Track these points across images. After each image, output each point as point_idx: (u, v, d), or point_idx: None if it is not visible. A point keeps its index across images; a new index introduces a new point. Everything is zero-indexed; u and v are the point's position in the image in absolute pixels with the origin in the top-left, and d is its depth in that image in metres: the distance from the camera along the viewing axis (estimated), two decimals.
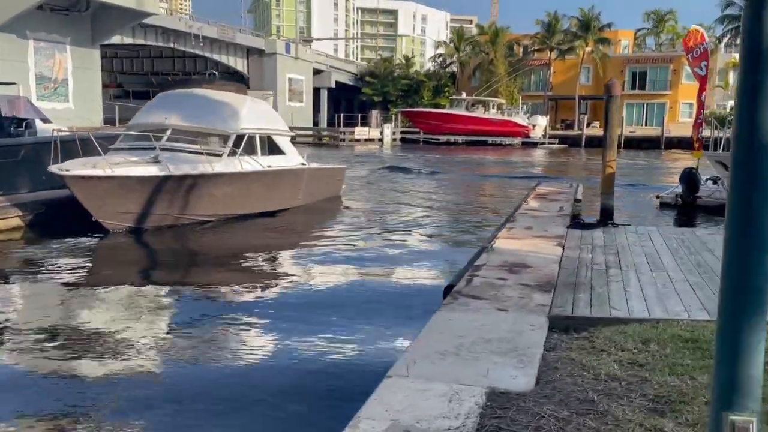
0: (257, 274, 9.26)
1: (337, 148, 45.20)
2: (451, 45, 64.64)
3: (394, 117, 56.90)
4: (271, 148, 13.70)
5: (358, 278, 8.91)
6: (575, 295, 5.68)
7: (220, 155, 12.13)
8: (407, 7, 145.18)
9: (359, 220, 14.24)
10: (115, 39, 36.21)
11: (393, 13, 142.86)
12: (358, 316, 7.07)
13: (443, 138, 51.65)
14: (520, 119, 52.99)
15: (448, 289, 6.14)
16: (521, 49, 62.69)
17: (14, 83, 18.51)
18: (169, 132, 12.21)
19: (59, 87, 30.54)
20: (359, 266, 9.50)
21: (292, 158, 14.36)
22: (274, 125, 14.01)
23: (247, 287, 8.33)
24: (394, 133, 51.84)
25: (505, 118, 53.26)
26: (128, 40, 38.42)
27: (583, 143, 50.07)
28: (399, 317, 7.02)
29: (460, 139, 51.82)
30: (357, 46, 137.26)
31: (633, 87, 59.47)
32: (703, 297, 5.46)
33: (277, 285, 8.67)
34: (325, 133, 50.66)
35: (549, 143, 50.66)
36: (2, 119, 14.85)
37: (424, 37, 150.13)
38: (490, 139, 51.53)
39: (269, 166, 13.20)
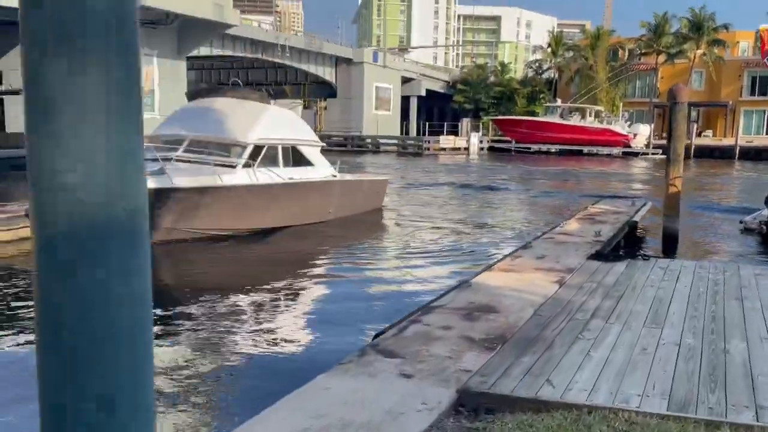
0: (230, 293, 8.51)
1: (420, 157, 44.29)
2: (548, 50, 61.83)
3: (483, 125, 55.18)
4: (297, 159, 13.04)
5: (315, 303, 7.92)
6: (518, 359, 4.41)
7: (234, 166, 11.61)
8: (511, 13, 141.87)
9: (384, 237, 13.25)
10: (205, 51, 37.48)
11: (496, 19, 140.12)
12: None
13: (535, 147, 49.31)
14: (620, 128, 49.52)
15: (375, 338, 5.08)
16: (625, 54, 58.78)
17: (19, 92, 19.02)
18: (186, 143, 11.87)
19: (146, 98, 31.90)
20: (329, 288, 8.53)
21: (320, 170, 13.62)
22: (300, 135, 13.34)
23: (224, 309, 7.60)
24: (482, 142, 50.14)
25: (604, 126, 49.98)
26: (217, 52, 39.69)
27: (692, 154, 45.86)
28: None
29: (553, 148, 49.24)
30: (457, 54, 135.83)
31: (752, 93, 54.01)
32: (680, 374, 4.02)
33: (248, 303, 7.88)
34: (409, 141, 49.89)
35: (652, 153, 46.89)
36: None
37: (528, 43, 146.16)
38: (585, 149, 48.55)
39: (291, 178, 12.54)
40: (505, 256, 8.17)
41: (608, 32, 59.50)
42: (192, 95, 13.77)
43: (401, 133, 56.67)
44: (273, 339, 6.82)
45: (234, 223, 11.72)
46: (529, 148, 49.43)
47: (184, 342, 6.52)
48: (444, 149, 47.39)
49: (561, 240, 9.16)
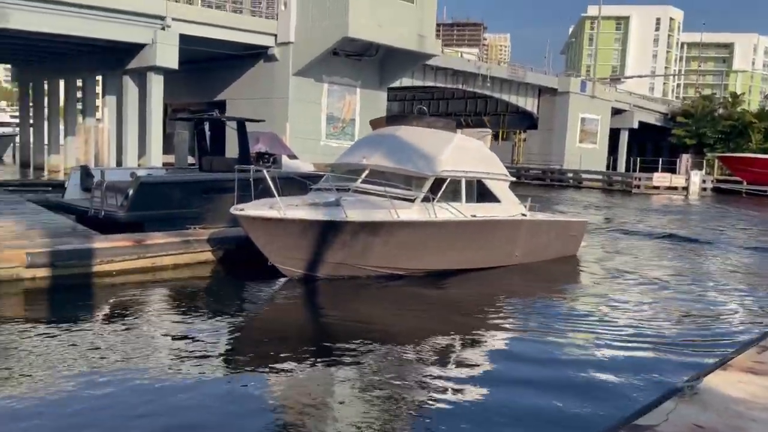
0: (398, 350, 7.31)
1: (629, 196, 40.17)
2: None
3: (708, 163, 48.72)
4: (482, 194, 11.66)
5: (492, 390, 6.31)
6: None
7: (412, 200, 10.60)
8: (746, 39, 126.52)
9: (576, 294, 11.10)
10: (406, 81, 37.98)
11: (728, 46, 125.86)
12: None
13: None
14: None
15: None
16: None
17: (263, 120, 19.75)
18: (365, 173, 11.16)
19: (346, 127, 32.94)
20: (509, 368, 6.86)
21: (507, 207, 12.07)
22: (487, 168, 11.92)
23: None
24: (704, 182, 44.12)
25: None
26: (418, 82, 40.02)
27: None
28: None
29: None
30: (678, 85, 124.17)
31: None
32: None
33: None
34: (616, 178, 45.66)
35: None
36: (258, 155, 15.70)
37: (766, 72, 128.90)
38: None
39: (474, 216, 11.20)
40: (747, 346, 5.92)
41: None
42: (375, 123, 13.15)
43: (607, 168, 52.37)
44: (440, 389, 6.11)
45: (408, 262, 10.65)
46: (764, 191, 42.36)
47: (349, 382, 6.29)
48: (657, 188, 42.49)
49: None
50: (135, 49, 26.96)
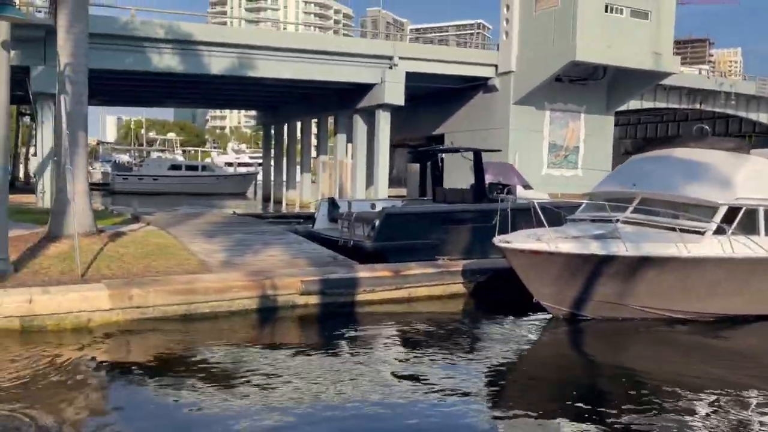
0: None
1: None
2: None
3: None
4: None
5: None
6: None
7: (702, 233, 9.12)
8: None
9: None
10: (634, 104, 35.21)
11: None
12: None
13: None
14: None
15: None
16: None
17: (500, 150, 19.08)
18: (636, 201, 9.92)
19: (569, 155, 31.24)
20: None
21: None
22: None
23: None
24: None
25: None
26: (648, 104, 36.87)
27: None
28: None
29: None
30: None
31: None
32: None
33: None
34: None
35: None
36: (490, 185, 15.31)
37: None
38: None
39: None
40: None
41: None
42: (637, 148, 11.81)
43: None
44: None
45: (697, 305, 9.15)
46: None
47: None
48: None
49: None
50: (365, 89, 28.46)
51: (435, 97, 33.39)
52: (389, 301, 10.03)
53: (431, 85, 30.61)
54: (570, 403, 6.25)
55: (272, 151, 42.01)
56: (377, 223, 12.70)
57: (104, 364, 6.86)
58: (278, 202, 38.92)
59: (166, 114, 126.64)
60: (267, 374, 6.65)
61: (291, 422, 5.44)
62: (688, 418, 5.91)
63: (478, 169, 14.68)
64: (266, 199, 40.74)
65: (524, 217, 10.55)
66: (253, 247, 11.88)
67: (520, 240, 9.06)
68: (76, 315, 7.98)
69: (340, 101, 31.39)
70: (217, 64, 25.23)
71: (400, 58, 28.03)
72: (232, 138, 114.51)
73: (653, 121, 46.82)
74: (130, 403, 5.87)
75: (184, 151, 67.26)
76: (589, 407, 6.06)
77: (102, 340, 7.65)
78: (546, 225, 9.13)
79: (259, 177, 46.62)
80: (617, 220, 9.35)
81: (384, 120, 28.38)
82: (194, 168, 47.90)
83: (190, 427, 5.40)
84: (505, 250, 8.98)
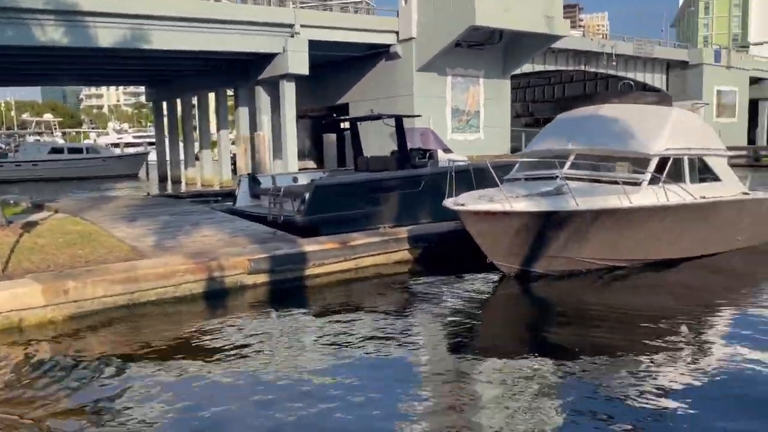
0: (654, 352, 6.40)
1: None
2: None
3: None
4: (702, 173, 10.47)
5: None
6: None
7: (638, 184, 9.58)
8: None
9: None
10: (526, 67, 36.47)
11: None
12: None
13: None
14: None
15: None
16: None
17: (419, 116, 19.09)
18: (572, 158, 10.27)
19: (471, 119, 31.97)
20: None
21: (729, 186, 10.77)
22: (707, 144, 10.69)
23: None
24: None
25: None
26: (539, 68, 38.34)
27: None
28: None
29: None
30: None
31: None
32: None
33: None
34: (764, 152, 41.80)
35: None
36: (411, 151, 15.27)
37: None
38: None
39: (702, 197, 10.02)
40: None
41: None
42: (563, 106, 12.19)
43: (748, 143, 48.12)
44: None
45: (632, 252, 9.65)
46: None
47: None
48: None
49: None
50: (267, 59, 27.41)
51: (337, 66, 32.79)
52: (338, 273, 9.80)
53: (334, 54, 30.00)
54: (530, 350, 6.65)
55: (166, 128, 39.66)
56: (307, 196, 12.31)
57: (54, 366, 6.16)
58: (176, 182, 36.91)
59: (33, 94, 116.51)
60: (229, 357, 6.39)
61: (250, 409, 5.24)
62: (646, 342, 6.56)
63: (401, 135, 14.57)
64: (162, 180, 38.42)
65: (460, 179, 10.62)
66: (183, 228, 11.15)
67: (473, 201, 9.09)
68: (5, 315, 7.11)
69: (241, 73, 30.06)
70: (106, 36, 23.24)
71: (302, 26, 27.18)
72: (112, 117, 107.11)
73: (541, 84, 48.88)
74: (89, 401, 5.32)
75: (63, 134, 62.10)
76: (550, 353, 6.48)
77: (40, 341, 6.87)
78: (500, 185, 9.21)
79: (151, 157, 43.91)
80: (561, 177, 9.59)
81: (289, 90, 27.52)
82: (78, 150, 44.26)
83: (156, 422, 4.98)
84: (460, 213, 8.97)
